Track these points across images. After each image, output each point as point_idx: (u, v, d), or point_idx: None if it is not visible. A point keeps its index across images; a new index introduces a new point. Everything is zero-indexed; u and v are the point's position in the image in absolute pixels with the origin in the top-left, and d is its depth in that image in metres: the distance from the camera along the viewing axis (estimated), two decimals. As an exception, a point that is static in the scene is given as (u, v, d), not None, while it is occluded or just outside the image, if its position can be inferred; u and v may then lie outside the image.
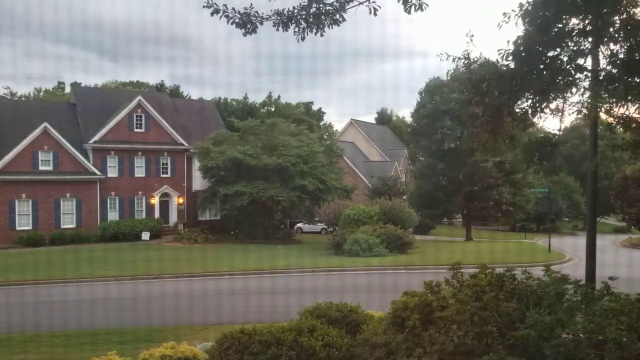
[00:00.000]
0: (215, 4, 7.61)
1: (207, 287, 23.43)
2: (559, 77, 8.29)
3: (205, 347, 10.56)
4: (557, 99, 8.97)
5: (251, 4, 7.76)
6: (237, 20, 7.78)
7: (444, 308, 7.51)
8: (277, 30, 7.76)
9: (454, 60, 9.50)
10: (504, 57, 8.67)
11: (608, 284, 7.40)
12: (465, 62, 9.30)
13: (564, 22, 8.34)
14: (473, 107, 9.37)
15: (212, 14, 7.63)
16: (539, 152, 9.79)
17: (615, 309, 6.58)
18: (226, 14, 7.71)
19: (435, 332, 7.12)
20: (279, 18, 7.75)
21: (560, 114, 9.23)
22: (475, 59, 9.22)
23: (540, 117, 9.23)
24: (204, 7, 7.59)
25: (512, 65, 8.74)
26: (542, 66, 8.41)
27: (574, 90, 8.77)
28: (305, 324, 9.44)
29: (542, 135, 10.19)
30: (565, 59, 8.44)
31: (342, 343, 8.91)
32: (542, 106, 8.69)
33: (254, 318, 13.89)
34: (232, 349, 8.74)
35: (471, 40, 9.37)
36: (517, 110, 9.16)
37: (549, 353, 6.43)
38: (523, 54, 8.38)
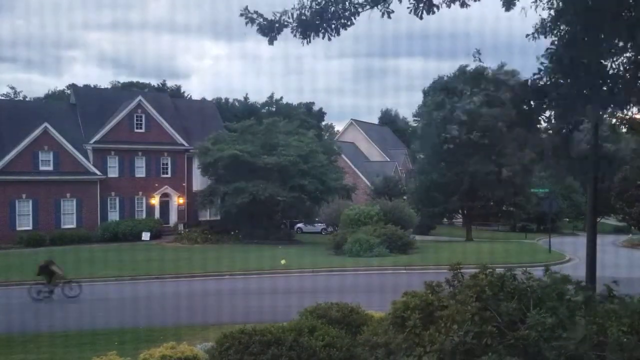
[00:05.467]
0: (250, 12, 7.69)
1: (207, 287, 23.43)
2: (599, 89, 8.28)
3: (205, 347, 10.55)
4: (601, 111, 8.99)
5: (282, 12, 7.80)
6: (264, 29, 7.84)
7: (444, 308, 7.50)
8: (295, 37, 7.80)
9: (465, 68, 9.54)
10: (542, 74, 8.68)
11: (610, 287, 7.39)
12: (478, 68, 9.34)
13: (591, 31, 8.32)
14: (517, 128, 9.40)
15: (246, 23, 7.70)
16: (602, 166, 9.84)
17: (617, 310, 6.58)
18: (258, 22, 7.78)
19: (436, 331, 7.11)
20: (297, 25, 7.77)
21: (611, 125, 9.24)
22: (485, 67, 9.28)
23: (581, 131, 9.24)
24: (240, 15, 7.70)
25: (546, 80, 8.74)
26: (577, 80, 8.37)
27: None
28: (305, 324, 9.43)
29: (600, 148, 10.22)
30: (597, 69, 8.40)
31: (342, 343, 8.90)
32: (583, 119, 8.70)
33: (254, 318, 13.87)
34: (232, 349, 8.74)
35: (478, 58, 9.42)
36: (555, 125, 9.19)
37: (549, 354, 6.42)
38: (559, 69, 8.37)
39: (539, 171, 46.58)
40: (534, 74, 8.78)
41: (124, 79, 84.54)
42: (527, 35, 8.80)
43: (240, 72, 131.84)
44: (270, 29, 7.78)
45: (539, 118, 8.98)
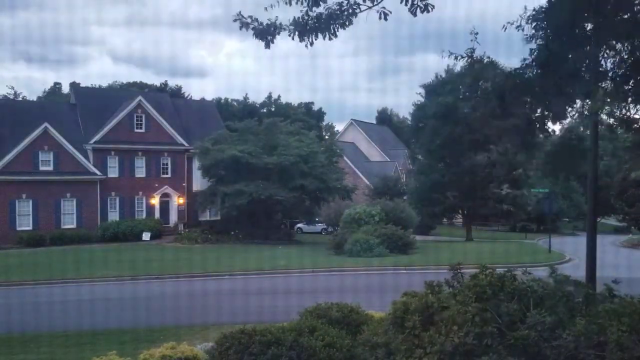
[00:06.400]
0: (243, 16, 7.63)
1: (207, 287, 23.41)
2: (579, 84, 8.27)
3: (205, 347, 10.54)
4: (577, 105, 9.00)
5: (276, 17, 7.76)
6: (260, 33, 7.78)
7: (444, 309, 7.50)
8: (293, 39, 7.76)
9: (456, 58, 9.43)
10: (524, 67, 8.65)
11: (611, 286, 7.38)
12: (468, 60, 9.25)
13: (579, 26, 8.31)
14: (498, 120, 9.35)
15: (240, 27, 7.65)
16: (570, 159, 9.77)
17: (617, 310, 6.57)
18: (253, 26, 7.71)
19: (436, 332, 7.10)
20: (294, 28, 7.72)
21: (581, 119, 9.25)
22: (478, 58, 9.17)
23: (561, 124, 9.26)
24: (234, 21, 7.62)
25: (530, 74, 8.72)
26: (561, 73, 8.36)
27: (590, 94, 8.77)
28: (305, 324, 9.42)
29: (563, 140, 10.19)
30: (583, 64, 8.40)
31: (342, 343, 8.89)
32: (562, 113, 8.68)
33: (254, 318, 13.88)
34: (232, 349, 8.73)
35: (475, 38, 9.30)
36: (536, 117, 9.16)
37: (549, 354, 6.42)
38: (542, 63, 8.35)
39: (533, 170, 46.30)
40: (519, 67, 8.74)
41: (123, 78, 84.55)
42: (512, 24, 8.74)
43: (239, 72, 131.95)
44: (266, 33, 7.74)
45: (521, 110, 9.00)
